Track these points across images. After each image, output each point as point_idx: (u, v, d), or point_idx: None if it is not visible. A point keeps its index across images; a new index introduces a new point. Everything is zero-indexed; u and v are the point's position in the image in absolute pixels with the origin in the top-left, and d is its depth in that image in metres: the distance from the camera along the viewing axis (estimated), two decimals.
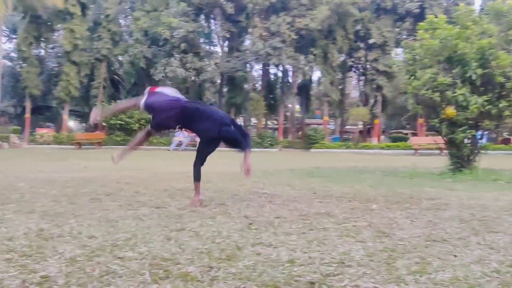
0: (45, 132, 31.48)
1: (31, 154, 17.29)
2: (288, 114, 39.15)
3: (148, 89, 4.71)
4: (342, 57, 32.62)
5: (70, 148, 23.68)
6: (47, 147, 25.34)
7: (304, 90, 34.05)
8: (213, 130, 4.41)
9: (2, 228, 3.31)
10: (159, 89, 4.76)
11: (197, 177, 4.70)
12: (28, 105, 33.98)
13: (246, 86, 33.97)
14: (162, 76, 26.73)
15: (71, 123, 37.16)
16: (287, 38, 26.50)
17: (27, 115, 34.52)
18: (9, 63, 43.23)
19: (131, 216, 3.88)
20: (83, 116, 50.12)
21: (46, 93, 37.51)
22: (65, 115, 33.75)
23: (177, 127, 4.91)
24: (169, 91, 4.73)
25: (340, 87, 33.22)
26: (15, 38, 40.16)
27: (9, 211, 4.12)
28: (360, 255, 2.69)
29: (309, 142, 26.97)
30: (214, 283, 2.17)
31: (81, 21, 31.39)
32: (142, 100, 4.55)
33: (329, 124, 37.31)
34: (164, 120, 4.59)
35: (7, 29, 40.09)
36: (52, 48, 41.62)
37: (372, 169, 10.54)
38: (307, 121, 37.97)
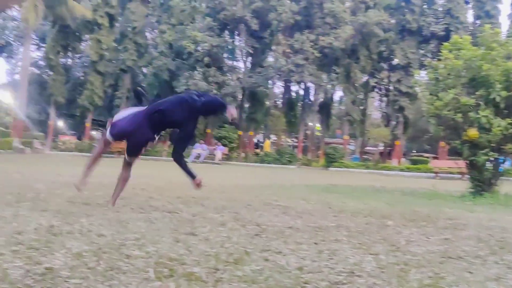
0: (67, 139, 31.98)
1: (52, 159, 17.55)
2: (308, 132, 39.03)
3: (108, 122, 4.62)
4: (365, 77, 32.47)
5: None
6: (69, 154, 25.69)
7: (325, 108, 33.90)
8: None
9: (13, 224, 3.32)
10: (117, 115, 4.70)
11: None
12: (52, 112, 34.62)
13: (267, 102, 34.02)
14: (185, 89, 26.91)
15: (93, 133, 37.67)
16: (310, 56, 26.54)
17: (51, 121, 35.16)
18: (37, 71, 44.25)
19: (142, 219, 3.87)
20: (104, 126, 50.94)
21: (70, 101, 38.19)
22: (87, 123, 34.25)
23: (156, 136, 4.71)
24: (126, 112, 4.71)
25: (361, 107, 32.98)
26: (43, 47, 41.18)
27: (23, 208, 4.15)
28: (371, 266, 2.62)
29: (328, 160, 26.70)
30: (219, 284, 2.13)
31: (108, 32, 31.98)
32: (107, 133, 4.53)
33: (349, 144, 36.99)
34: (139, 139, 4.57)
35: (36, 38, 41.16)
36: (79, 57, 42.54)
37: (391, 188, 10.36)
38: (327, 140, 37.71)
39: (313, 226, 4.04)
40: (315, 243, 3.26)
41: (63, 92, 32.78)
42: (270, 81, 30.19)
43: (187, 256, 2.59)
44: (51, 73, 34.03)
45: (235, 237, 3.28)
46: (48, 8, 27.61)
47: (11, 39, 45.58)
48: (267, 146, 29.76)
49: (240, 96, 30.64)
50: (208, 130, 30.24)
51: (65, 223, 3.44)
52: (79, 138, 35.10)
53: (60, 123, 43.56)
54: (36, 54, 44.96)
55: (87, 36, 35.18)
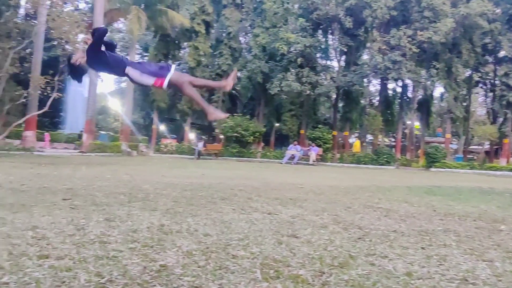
0: (169, 142, 33.72)
1: (156, 161, 18.61)
2: (406, 131, 37.55)
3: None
4: (468, 72, 30.50)
5: (191, 158, 25.06)
6: (170, 156, 27.10)
7: (424, 106, 32.35)
8: None
9: (128, 222, 3.57)
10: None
11: None
12: (155, 117, 36.78)
13: (362, 101, 33.21)
14: (278, 90, 27.21)
15: (192, 136, 39.34)
16: (407, 52, 25.50)
17: (154, 126, 37.39)
18: None
19: (244, 220, 3.96)
20: (202, 129, 53.03)
21: (171, 106, 40.32)
22: (186, 127, 35.95)
23: None
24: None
25: (464, 103, 31.04)
26: (146, 56, 43.91)
27: (135, 208, 4.44)
28: (486, 274, 2.45)
29: (429, 160, 25.47)
30: (325, 287, 2.11)
31: (205, 39, 33.29)
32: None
33: (451, 143, 34.96)
34: None
35: (140, 47, 43.91)
36: (178, 64, 44.70)
37: (500, 190, 9.61)
38: (427, 139, 35.90)
39: (419, 230, 3.87)
40: (422, 247, 3.12)
41: (165, 98, 34.64)
42: (365, 79, 29.48)
43: (291, 258, 2.60)
44: None
45: (338, 240, 3.24)
46: (150, 19, 29.38)
47: (117, 50, 49.09)
48: (357, 146, 29.06)
49: (334, 96, 30.28)
50: (302, 131, 30.24)
51: (173, 223, 3.63)
52: (179, 141, 36.90)
53: (162, 127, 46.14)
54: None
55: (185, 44, 36.90)
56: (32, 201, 4.54)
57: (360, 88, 28.30)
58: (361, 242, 3.23)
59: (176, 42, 34.96)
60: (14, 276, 2.03)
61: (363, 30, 27.56)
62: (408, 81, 30.46)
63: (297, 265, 2.46)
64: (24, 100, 21.69)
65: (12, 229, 3.06)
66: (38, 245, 2.63)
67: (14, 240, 2.72)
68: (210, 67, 35.13)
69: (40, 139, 28.07)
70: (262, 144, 32.74)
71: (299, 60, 26.90)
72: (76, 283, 1.98)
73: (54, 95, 20.65)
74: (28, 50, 23.52)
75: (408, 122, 36.93)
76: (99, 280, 2.04)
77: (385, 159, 26.00)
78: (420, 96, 32.39)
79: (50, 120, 43.28)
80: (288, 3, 28.71)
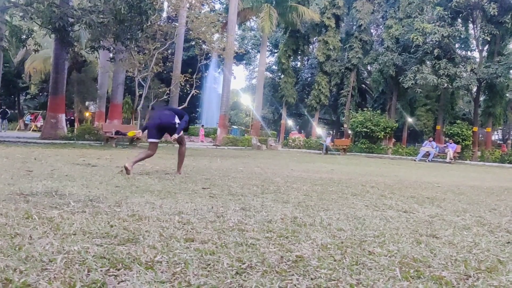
0: (297, 137, 34.12)
1: (284, 155, 18.95)
2: None
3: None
4: None
5: (318, 153, 25.06)
6: (298, 150, 27.40)
7: None
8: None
9: (262, 212, 3.69)
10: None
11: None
12: (284, 112, 37.46)
13: (508, 94, 30.19)
14: (412, 84, 25.88)
15: (320, 131, 39.32)
16: None
17: (283, 121, 38.11)
18: (270, 75, 48.60)
19: (378, 217, 3.85)
20: (330, 124, 52.70)
21: (299, 101, 40.73)
22: (314, 122, 36.01)
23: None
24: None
25: None
26: (275, 52, 44.87)
27: (268, 199, 4.58)
28: None
29: None
30: None
31: (335, 33, 32.95)
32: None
33: None
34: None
35: (270, 44, 45.02)
36: (307, 59, 44.96)
37: None
38: None
39: None
40: None
41: (293, 93, 35.08)
42: (511, 71, 26.70)
43: (432, 259, 2.47)
44: (282, 76, 36.77)
45: (483, 243, 2.99)
46: (280, 15, 29.96)
47: (249, 47, 51.02)
48: None
49: (474, 89, 27.96)
50: (438, 127, 28.48)
51: (306, 216, 3.67)
52: (307, 136, 37.12)
53: (290, 122, 46.87)
54: (270, 59, 49.40)
55: (314, 38, 36.93)
56: (177, 189, 4.93)
57: (506, 80, 25.69)
58: (511, 247, 2.95)
59: (306, 37, 35.12)
60: (165, 256, 2.21)
61: (509, 16, 24.95)
62: None
63: (439, 266, 2.33)
64: (166, 97, 23.55)
65: (161, 213, 3.35)
66: (184, 229, 2.84)
67: (163, 224, 2.98)
68: (339, 61, 34.71)
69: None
70: (394, 140, 31.50)
71: (436, 51, 25.29)
72: (220, 267, 2.10)
73: (193, 91, 22.08)
74: (169, 51, 25.50)
75: None
76: (240, 265, 2.13)
77: None
78: None
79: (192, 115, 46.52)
80: None
